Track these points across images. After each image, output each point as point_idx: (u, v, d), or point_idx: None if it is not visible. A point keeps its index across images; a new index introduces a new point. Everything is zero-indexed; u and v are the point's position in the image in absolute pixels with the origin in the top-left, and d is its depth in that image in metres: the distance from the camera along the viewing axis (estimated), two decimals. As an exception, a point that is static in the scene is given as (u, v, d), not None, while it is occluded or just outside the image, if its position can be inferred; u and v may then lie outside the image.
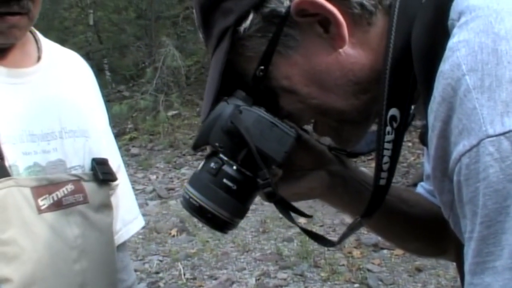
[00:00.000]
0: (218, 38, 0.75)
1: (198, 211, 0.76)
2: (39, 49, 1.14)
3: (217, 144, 0.76)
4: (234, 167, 0.76)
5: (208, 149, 0.79)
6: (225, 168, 0.76)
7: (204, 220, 0.77)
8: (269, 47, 0.73)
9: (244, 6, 0.71)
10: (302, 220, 3.43)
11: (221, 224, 0.77)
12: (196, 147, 0.79)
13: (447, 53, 0.60)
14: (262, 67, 0.74)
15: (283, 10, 0.70)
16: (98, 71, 9.53)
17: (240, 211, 0.78)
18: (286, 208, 0.81)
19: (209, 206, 0.75)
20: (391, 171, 0.75)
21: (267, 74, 0.74)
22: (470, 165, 0.56)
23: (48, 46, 1.17)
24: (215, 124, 0.76)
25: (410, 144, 6.53)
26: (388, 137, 0.72)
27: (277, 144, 0.75)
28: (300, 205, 0.84)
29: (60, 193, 1.03)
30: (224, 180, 0.76)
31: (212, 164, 0.76)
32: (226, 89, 0.76)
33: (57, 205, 1.02)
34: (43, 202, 1.00)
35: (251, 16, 0.71)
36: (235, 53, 0.75)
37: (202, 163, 0.78)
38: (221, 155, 0.76)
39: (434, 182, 0.66)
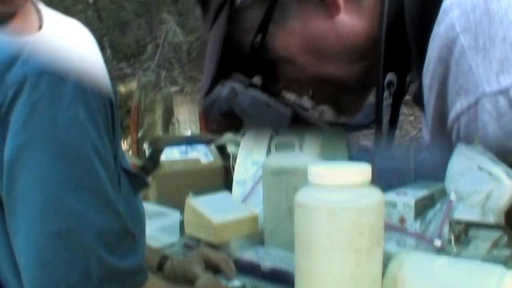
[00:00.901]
0: (216, 12, 0.75)
1: None
2: (40, 18, 1.14)
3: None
4: None
5: None
6: None
7: None
8: (265, 17, 0.72)
9: None
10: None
11: None
12: None
13: (440, 15, 0.60)
14: (259, 38, 0.74)
15: None
16: (99, 50, 9.47)
17: None
18: None
19: None
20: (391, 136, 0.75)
21: (264, 45, 0.74)
22: (469, 124, 0.57)
23: (50, 15, 1.16)
24: (213, 108, 0.76)
25: (412, 118, 6.48)
26: (386, 102, 0.72)
27: (274, 124, 0.77)
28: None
29: None
30: None
31: None
32: (223, 71, 0.76)
33: None
34: None
35: None
36: (232, 26, 0.75)
37: None
38: None
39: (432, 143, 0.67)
